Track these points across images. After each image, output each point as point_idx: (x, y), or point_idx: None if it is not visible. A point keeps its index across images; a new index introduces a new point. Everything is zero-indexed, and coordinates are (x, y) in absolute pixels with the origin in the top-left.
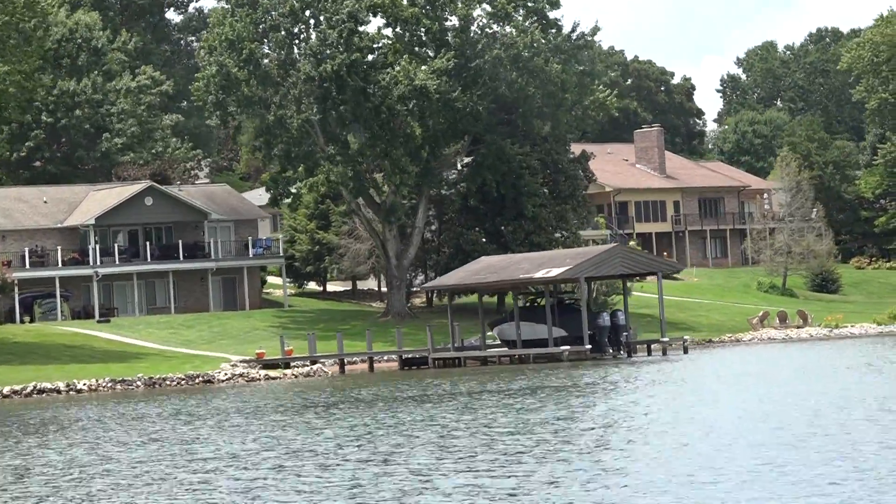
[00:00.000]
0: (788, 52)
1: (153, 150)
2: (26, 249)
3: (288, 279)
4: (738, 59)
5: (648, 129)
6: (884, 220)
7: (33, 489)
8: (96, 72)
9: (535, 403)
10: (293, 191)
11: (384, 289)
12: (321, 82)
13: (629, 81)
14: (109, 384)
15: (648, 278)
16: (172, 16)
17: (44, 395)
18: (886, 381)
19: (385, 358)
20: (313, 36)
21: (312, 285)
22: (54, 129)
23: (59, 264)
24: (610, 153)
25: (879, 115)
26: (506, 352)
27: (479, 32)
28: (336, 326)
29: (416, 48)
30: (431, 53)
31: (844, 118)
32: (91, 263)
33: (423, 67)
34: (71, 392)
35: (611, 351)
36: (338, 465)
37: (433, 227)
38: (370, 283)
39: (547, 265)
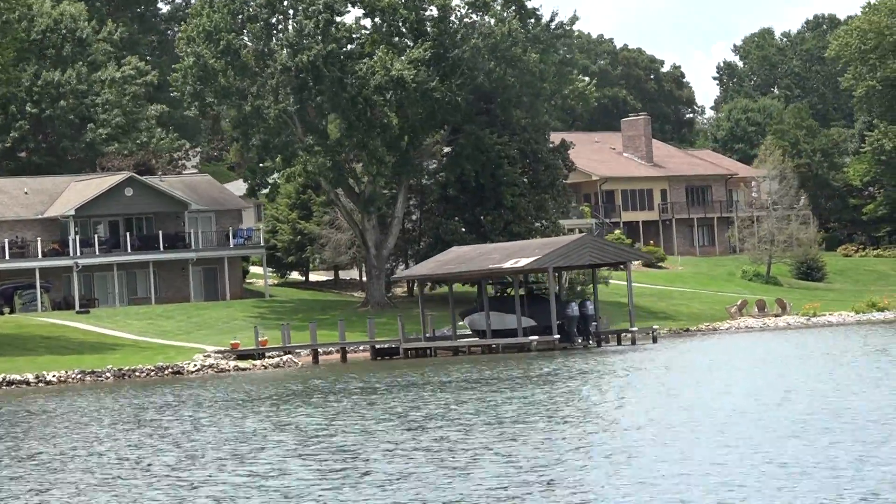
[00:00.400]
0: (785, 40)
1: (138, 141)
2: (6, 240)
3: (270, 269)
4: (735, 46)
5: (635, 117)
6: (872, 208)
7: None
8: (81, 62)
9: (459, 395)
10: (270, 181)
11: (365, 278)
12: (297, 73)
13: (618, 70)
14: (79, 376)
15: (634, 266)
16: (161, 5)
17: (13, 386)
18: (825, 373)
19: (361, 348)
20: (290, 27)
21: (295, 275)
22: (39, 120)
23: (40, 255)
24: (597, 142)
25: (867, 102)
26: (475, 342)
27: (458, 22)
28: (315, 316)
29: (395, 38)
30: (410, 43)
31: (841, 105)
32: (71, 254)
33: (401, 58)
34: (40, 384)
35: (580, 340)
36: (192, 461)
37: (414, 217)
38: (353, 273)
39: (516, 255)
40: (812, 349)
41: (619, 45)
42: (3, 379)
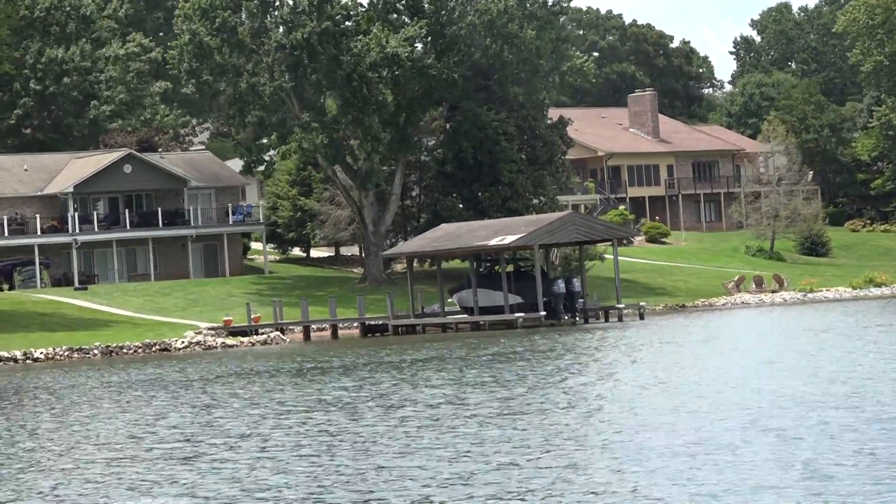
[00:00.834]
0: (802, 14)
1: (142, 118)
2: (5, 217)
3: (272, 245)
4: (752, 20)
5: (642, 93)
6: (880, 183)
7: None
8: (85, 39)
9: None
10: (266, 158)
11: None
12: (292, 50)
13: (627, 45)
14: (66, 353)
15: (636, 241)
16: None
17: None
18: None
19: (355, 325)
20: (286, 4)
21: (297, 251)
22: (43, 97)
23: (39, 232)
24: (604, 117)
25: (875, 77)
26: (463, 319)
27: None
28: (312, 293)
29: (392, 15)
30: (407, 21)
31: (858, 80)
32: (70, 231)
33: (396, 35)
34: (28, 361)
35: (566, 317)
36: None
37: (413, 194)
38: (354, 249)
39: (503, 233)
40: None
41: (631, 20)
42: None
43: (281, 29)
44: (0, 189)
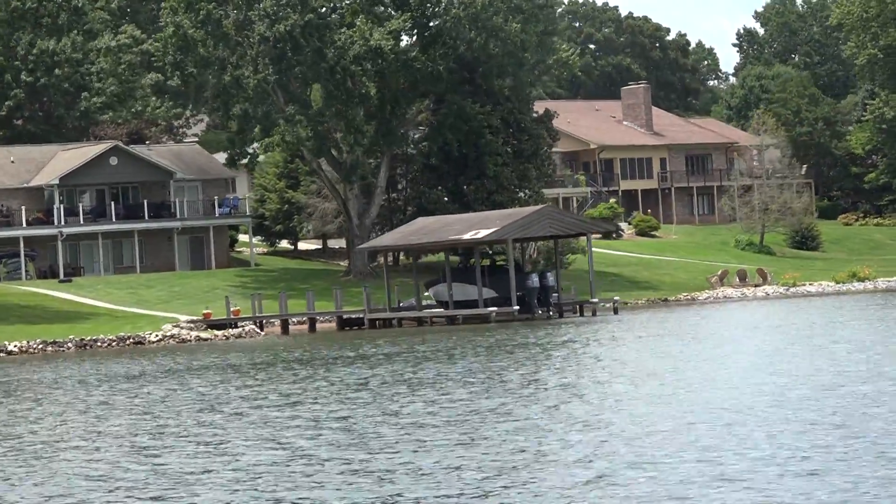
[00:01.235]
0: (805, 6)
1: (133, 110)
2: None
3: (260, 238)
4: (756, 13)
5: (635, 85)
6: (874, 176)
7: None
8: (76, 31)
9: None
10: (250, 151)
11: None
12: (275, 43)
13: (623, 38)
14: (40, 346)
15: (626, 235)
16: None
17: None
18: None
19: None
20: None
21: (285, 244)
22: (34, 89)
23: (24, 224)
24: (598, 110)
25: (869, 70)
26: (437, 313)
27: None
28: (297, 286)
29: (377, 8)
30: (393, 13)
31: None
32: (56, 223)
33: (380, 28)
34: (1, 353)
35: (540, 312)
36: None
37: (400, 187)
38: (341, 242)
39: (477, 227)
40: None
41: (627, 12)
42: None
43: (265, 22)
44: None
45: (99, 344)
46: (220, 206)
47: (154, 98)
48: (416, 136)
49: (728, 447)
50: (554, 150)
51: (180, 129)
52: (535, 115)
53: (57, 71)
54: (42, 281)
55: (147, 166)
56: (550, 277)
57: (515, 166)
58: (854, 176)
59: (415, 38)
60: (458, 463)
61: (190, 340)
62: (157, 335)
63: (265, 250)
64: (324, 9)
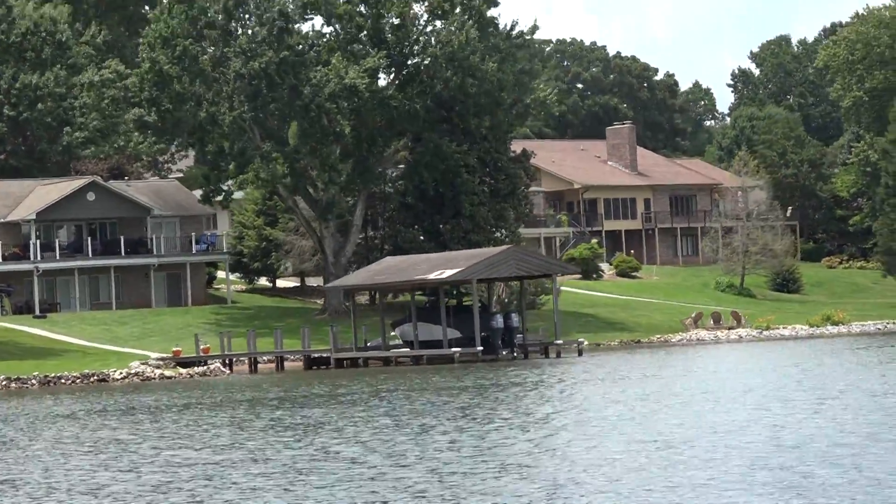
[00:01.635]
0: (801, 48)
1: (115, 145)
2: None
3: (239, 275)
4: (751, 52)
5: (620, 125)
6: (859, 219)
7: None
8: (60, 65)
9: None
10: (225, 188)
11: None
12: (251, 80)
13: (611, 77)
14: (4, 382)
15: (606, 275)
16: (147, 9)
17: None
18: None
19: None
20: (243, 34)
21: (263, 281)
22: (17, 123)
23: (0, 259)
24: (583, 149)
25: (855, 113)
26: (403, 353)
27: (416, 30)
28: (272, 324)
29: (354, 45)
30: (372, 51)
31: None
32: (32, 258)
33: (355, 66)
34: None
35: (504, 353)
36: None
37: (378, 225)
38: (319, 280)
39: (442, 267)
40: (711, 369)
41: (615, 52)
42: None
43: (240, 59)
44: None
45: (63, 381)
46: (197, 243)
47: (136, 133)
48: (394, 175)
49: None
50: (538, 189)
51: (165, 165)
52: (512, 154)
53: (40, 105)
54: (17, 316)
55: (125, 202)
56: (515, 318)
57: (492, 206)
58: (839, 219)
59: (392, 76)
60: None
61: (154, 378)
62: (121, 373)
63: (244, 287)
64: (300, 46)
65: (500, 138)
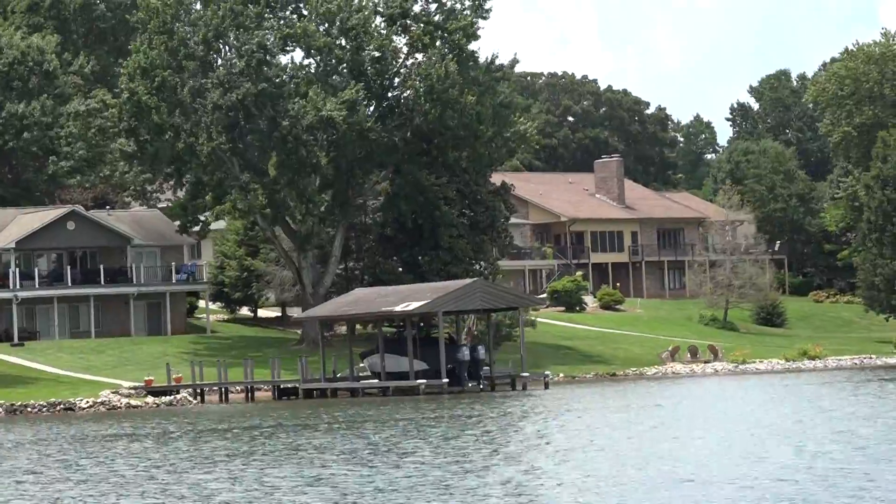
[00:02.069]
0: (800, 82)
1: (101, 174)
2: None
3: (220, 305)
4: (750, 87)
5: (608, 159)
6: (846, 254)
7: None
8: (46, 95)
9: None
10: (202, 219)
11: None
12: (228, 111)
13: (602, 111)
14: None
15: (589, 308)
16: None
17: None
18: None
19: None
20: (221, 65)
21: (245, 311)
22: (2, 152)
23: None
24: (571, 182)
25: (844, 148)
26: (371, 384)
27: (396, 63)
28: (250, 353)
29: (334, 77)
30: (352, 83)
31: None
32: (11, 287)
33: (332, 98)
34: None
35: (470, 385)
36: None
37: (357, 256)
38: (300, 310)
39: (409, 299)
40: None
41: (606, 85)
42: None
43: (216, 90)
44: None
45: (29, 409)
46: (177, 273)
47: (122, 163)
48: (373, 206)
49: None
50: (524, 222)
51: (153, 194)
52: (492, 187)
53: (26, 134)
54: None
55: (105, 231)
56: (481, 350)
57: (471, 238)
58: (828, 253)
59: (372, 108)
60: None
61: (120, 408)
62: (87, 402)
63: (225, 317)
64: (279, 78)
65: (479, 171)
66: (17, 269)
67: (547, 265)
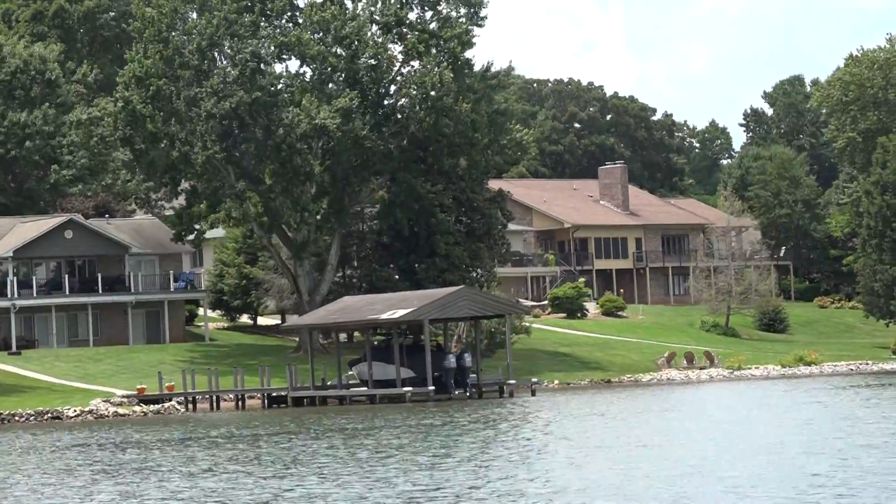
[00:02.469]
0: (814, 87)
1: (104, 183)
2: None
3: (220, 312)
4: (764, 92)
5: (612, 165)
6: (851, 259)
7: None
8: (49, 104)
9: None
10: (198, 227)
11: None
12: (222, 120)
13: (608, 117)
14: None
15: (591, 315)
16: None
17: None
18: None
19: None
20: (216, 74)
21: (245, 318)
22: (5, 161)
23: None
24: (576, 189)
25: (849, 154)
26: (359, 392)
27: (390, 71)
28: (246, 361)
29: (329, 86)
30: (347, 91)
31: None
32: (9, 296)
33: (325, 106)
34: None
35: (457, 392)
36: None
37: (355, 264)
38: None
39: (396, 307)
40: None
41: (612, 92)
42: None
43: (210, 99)
44: None
45: (17, 418)
46: (176, 281)
47: (124, 172)
48: (370, 214)
49: None
50: (528, 229)
51: (158, 202)
52: (488, 194)
53: (28, 143)
54: None
55: (103, 240)
56: (468, 358)
57: (468, 245)
58: (833, 259)
59: (367, 116)
60: None
61: (108, 416)
62: (75, 410)
63: (225, 325)
64: (274, 87)
65: (475, 178)
66: (16, 278)
67: (549, 272)
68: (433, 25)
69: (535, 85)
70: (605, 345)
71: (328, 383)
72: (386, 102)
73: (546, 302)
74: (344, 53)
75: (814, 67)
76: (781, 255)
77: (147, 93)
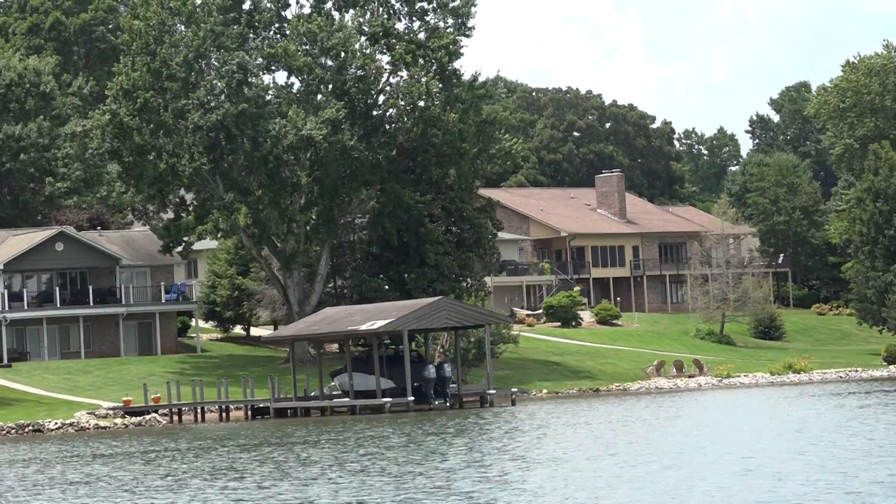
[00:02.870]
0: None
1: (98, 195)
2: None
3: (213, 324)
4: (770, 99)
5: (609, 173)
6: (849, 266)
7: None
8: (43, 116)
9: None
10: (186, 239)
11: None
12: (208, 132)
13: (607, 125)
14: None
15: (585, 323)
16: None
17: None
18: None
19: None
20: (202, 86)
21: (238, 329)
22: (0, 173)
23: None
24: (573, 198)
25: (846, 161)
26: (340, 402)
27: (378, 82)
28: (236, 373)
29: (317, 97)
30: (334, 102)
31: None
32: (0, 308)
33: (312, 118)
34: None
35: (436, 402)
36: None
37: (346, 274)
38: None
39: (376, 317)
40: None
41: (611, 100)
42: None
43: (197, 111)
44: None
45: None
46: (167, 293)
47: (119, 184)
48: (359, 224)
49: None
50: (525, 237)
51: (155, 214)
52: (478, 203)
53: (23, 156)
54: None
55: (93, 252)
56: (448, 368)
57: (457, 255)
58: (832, 265)
59: (355, 127)
60: None
61: (89, 429)
62: (56, 423)
63: (218, 336)
64: (260, 98)
65: (464, 188)
66: (6, 291)
67: (545, 280)
68: (421, 36)
69: (534, 94)
70: (597, 353)
71: (312, 394)
72: (374, 113)
73: (541, 311)
74: (331, 64)
75: (820, 74)
76: (780, 262)
77: (134, 105)
